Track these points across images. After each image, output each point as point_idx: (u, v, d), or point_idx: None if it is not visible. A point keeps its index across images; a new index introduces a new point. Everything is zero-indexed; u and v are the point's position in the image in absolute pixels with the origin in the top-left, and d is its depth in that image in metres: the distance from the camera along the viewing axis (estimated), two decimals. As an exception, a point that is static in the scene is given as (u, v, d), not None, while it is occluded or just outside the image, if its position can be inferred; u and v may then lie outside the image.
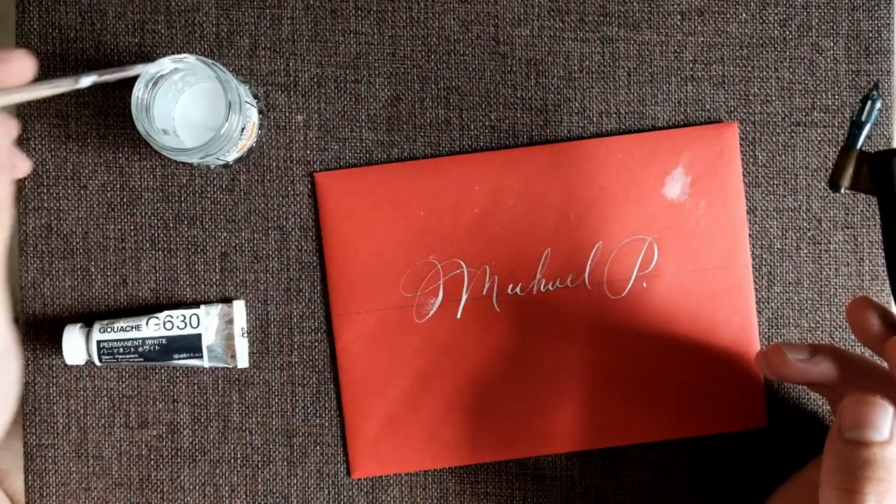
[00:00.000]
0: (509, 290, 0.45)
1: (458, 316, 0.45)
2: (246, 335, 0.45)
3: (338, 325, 0.45)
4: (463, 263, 0.45)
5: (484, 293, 0.45)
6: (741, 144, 0.45)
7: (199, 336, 0.43)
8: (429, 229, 0.45)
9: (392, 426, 0.45)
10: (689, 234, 0.45)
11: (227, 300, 0.45)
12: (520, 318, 0.45)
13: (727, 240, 0.45)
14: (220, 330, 0.44)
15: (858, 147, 0.36)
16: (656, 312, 0.45)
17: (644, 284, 0.45)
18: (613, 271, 0.45)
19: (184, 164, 0.45)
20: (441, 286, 0.45)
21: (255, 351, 0.45)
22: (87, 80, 0.38)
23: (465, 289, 0.45)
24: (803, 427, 0.45)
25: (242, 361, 0.44)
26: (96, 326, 0.43)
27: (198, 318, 0.43)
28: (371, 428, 0.45)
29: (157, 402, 0.45)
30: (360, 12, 0.45)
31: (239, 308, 0.44)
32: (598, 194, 0.45)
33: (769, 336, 0.45)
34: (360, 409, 0.45)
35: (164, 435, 0.45)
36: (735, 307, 0.45)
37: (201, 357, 0.43)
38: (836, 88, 0.45)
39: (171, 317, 0.43)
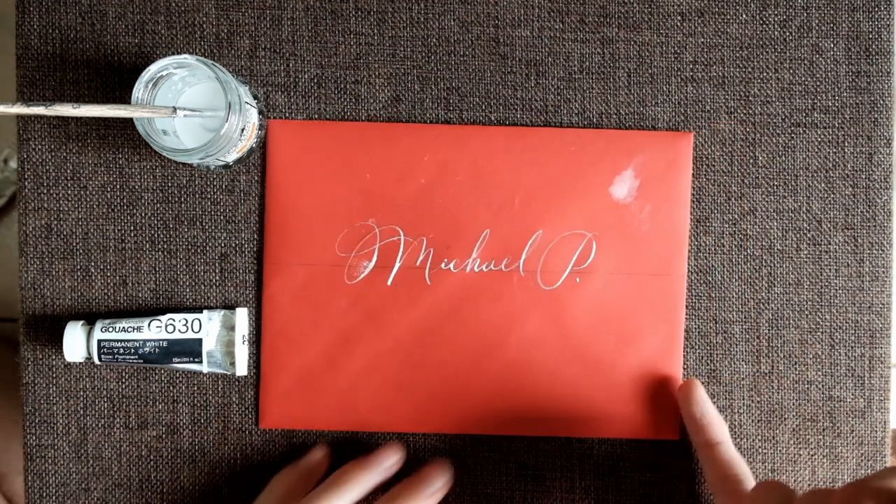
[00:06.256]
0: (443, 265, 0.45)
1: (389, 283, 0.44)
2: (247, 343, 0.45)
3: (268, 273, 0.44)
4: (401, 231, 0.44)
5: (417, 264, 0.45)
6: (741, 145, 0.45)
7: (199, 341, 0.43)
8: (372, 192, 0.44)
9: (306, 382, 0.45)
10: (629, 236, 0.45)
11: (229, 306, 0.45)
12: (449, 294, 0.45)
13: (666, 248, 0.45)
14: (221, 336, 0.44)
15: None
16: (586, 309, 0.45)
17: (577, 279, 0.45)
18: (549, 262, 0.45)
19: (184, 164, 0.45)
20: (376, 251, 0.44)
21: (253, 353, 0.45)
22: (181, 113, 0.40)
23: (399, 257, 0.44)
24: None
25: (241, 369, 0.44)
26: (98, 325, 0.43)
27: (199, 323, 0.43)
28: (285, 381, 0.45)
29: (157, 403, 0.45)
30: (360, 13, 0.45)
31: (241, 315, 0.44)
32: (546, 183, 0.44)
33: (769, 337, 0.45)
34: (277, 361, 0.45)
35: (163, 435, 0.45)
36: (664, 317, 0.45)
37: (200, 362, 0.43)
38: (836, 89, 0.45)
39: (174, 320, 0.43)
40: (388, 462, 0.43)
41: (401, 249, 0.44)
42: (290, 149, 0.44)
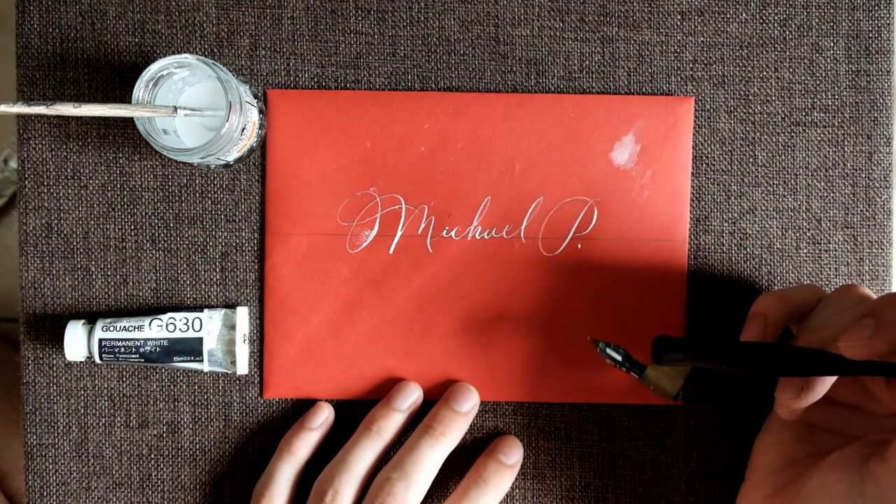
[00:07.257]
0: (444, 233, 0.45)
1: (391, 251, 0.45)
2: (247, 342, 0.45)
3: (270, 243, 0.45)
4: (402, 199, 0.44)
5: (419, 232, 0.45)
6: (741, 144, 0.45)
7: (200, 340, 0.43)
8: (373, 161, 0.44)
9: (311, 351, 0.45)
10: (630, 202, 0.45)
11: (230, 305, 0.45)
12: (451, 261, 0.45)
13: (668, 214, 0.45)
14: (222, 335, 0.44)
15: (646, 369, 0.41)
16: (588, 275, 0.45)
17: (579, 246, 0.45)
18: (550, 228, 0.45)
19: (184, 164, 0.45)
20: (378, 219, 0.44)
21: (255, 352, 0.45)
22: (181, 112, 0.40)
23: (400, 225, 0.45)
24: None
25: (242, 368, 0.44)
26: (99, 325, 0.43)
27: (200, 322, 0.43)
28: (289, 350, 0.45)
29: (158, 402, 0.45)
30: (360, 12, 0.45)
31: (242, 314, 0.44)
32: (546, 150, 0.45)
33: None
34: (280, 331, 0.45)
35: (164, 434, 0.45)
36: (668, 282, 0.45)
37: (201, 361, 0.43)
38: (836, 88, 0.45)
39: (174, 319, 0.43)
40: (413, 397, 0.44)
41: (402, 218, 0.44)
42: (291, 118, 0.44)
